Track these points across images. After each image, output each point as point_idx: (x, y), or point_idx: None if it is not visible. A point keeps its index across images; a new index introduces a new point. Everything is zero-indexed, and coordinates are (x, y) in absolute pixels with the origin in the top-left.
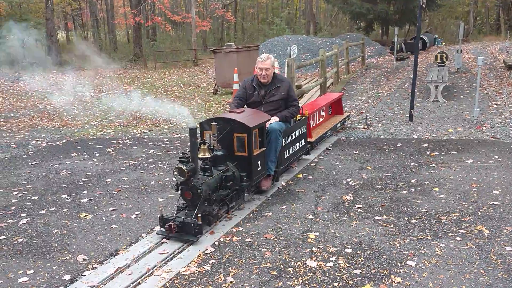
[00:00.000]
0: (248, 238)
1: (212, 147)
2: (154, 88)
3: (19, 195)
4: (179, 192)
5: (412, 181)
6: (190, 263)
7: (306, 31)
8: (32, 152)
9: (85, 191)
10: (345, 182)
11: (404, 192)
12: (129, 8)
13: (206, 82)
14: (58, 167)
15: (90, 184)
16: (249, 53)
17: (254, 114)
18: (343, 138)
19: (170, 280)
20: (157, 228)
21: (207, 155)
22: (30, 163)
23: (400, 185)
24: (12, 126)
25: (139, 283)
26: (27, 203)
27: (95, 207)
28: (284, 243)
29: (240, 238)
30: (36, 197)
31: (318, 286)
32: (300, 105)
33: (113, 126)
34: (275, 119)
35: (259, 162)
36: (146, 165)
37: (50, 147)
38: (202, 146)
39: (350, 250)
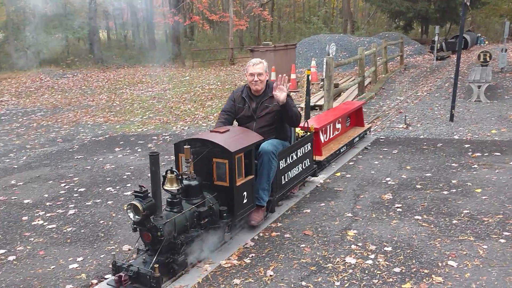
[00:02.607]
0: (287, 234)
1: (180, 176)
2: (192, 86)
3: (66, 187)
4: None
5: (453, 181)
6: (231, 256)
7: (343, 30)
8: (77, 147)
9: (128, 185)
10: (384, 181)
11: (445, 192)
12: (168, 7)
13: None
14: (102, 161)
15: (133, 178)
16: (286, 52)
17: (242, 134)
18: (382, 137)
19: (212, 271)
20: (109, 276)
21: (174, 186)
22: (75, 157)
23: (441, 185)
24: (58, 122)
25: (182, 274)
26: (74, 195)
27: None
28: (323, 240)
29: (279, 233)
30: (83, 189)
31: (357, 283)
32: (301, 115)
33: (153, 123)
34: (283, 95)
35: (245, 193)
36: None
37: (94, 142)
38: (169, 175)
39: (389, 249)
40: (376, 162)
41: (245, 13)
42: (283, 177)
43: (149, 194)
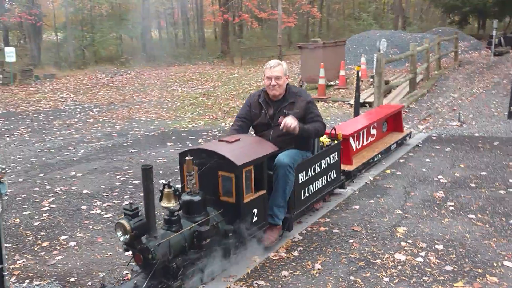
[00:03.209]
0: (335, 229)
1: (178, 192)
2: (240, 83)
3: (122, 178)
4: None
5: (511, 181)
6: (279, 249)
7: (394, 26)
8: (131, 141)
9: (180, 178)
10: (436, 179)
11: (502, 192)
12: (218, 6)
13: (291, 78)
14: (154, 155)
15: None
16: (335, 49)
17: (253, 144)
18: (434, 135)
19: (261, 263)
20: None
21: (172, 203)
22: (130, 151)
23: (497, 184)
24: (113, 117)
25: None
26: (129, 186)
27: None
28: (371, 236)
29: (327, 228)
30: (137, 181)
31: (407, 279)
32: (323, 123)
33: (203, 119)
34: (294, 123)
35: (254, 210)
36: None
37: (147, 137)
38: (166, 190)
39: (441, 247)
40: (428, 160)
41: (293, 10)
42: (303, 191)
43: (140, 212)
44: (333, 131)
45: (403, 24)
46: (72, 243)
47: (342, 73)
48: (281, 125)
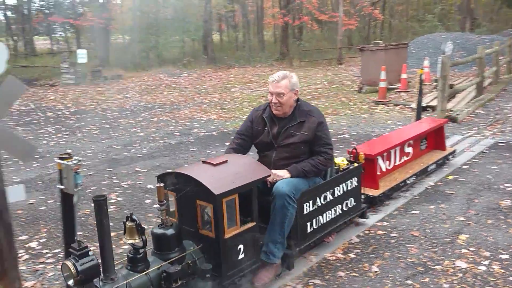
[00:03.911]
0: (393, 233)
1: (141, 226)
2: (299, 85)
3: None
4: None
5: None
6: (336, 250)
7: (461, 28)
8: (192, 140)
9: None
10: (503, 187)
11: None
12: (278, 9)
13: (350, 80)
14: (214, 154)
15: None
16: (397, 51)
17: (242, 167)
18: (502, 141)
19: (317, 263)
20: None
21: (136, 239)
22: (191, 149)
23: None
24: (175, 117)
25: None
26: None
27: None
28: (431, 241)
29: (385, 232)
30: None
31: None
32: (330, 154)
33: None
34: (283, 174)
35: (240, 246)
36: None
37: (207, 136)
38: (128, 224)
39: (506, 257)
40: (494, 167)
41: (355, 12)
42: (309, 223)
43: (90, 252)
44: (354, 152)
45: (471, 26)
46: None
47: (404, 76)
48: (270, 179)
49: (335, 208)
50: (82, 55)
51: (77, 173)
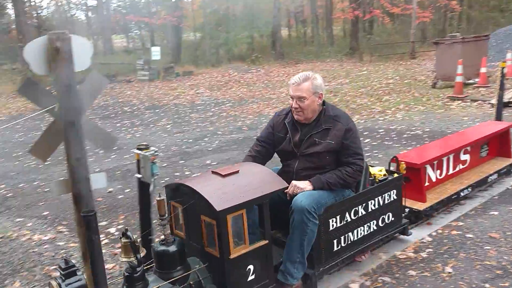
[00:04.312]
0: (469, 234)
1: (136, 243)
2: (369, 81)
3: None
4: None
5: None
6: (407, 248)
7: None
8: None
9: None
10: None
11: None
12: (348, 3)
13: (424, 75)
14: None
15: None
16: (476, 44)
17: (255, 178)
18: None
19: (387, 260)
20: None
21: (131, 257)
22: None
23: None
24: (244, 112)
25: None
26: None
27: None
28: None
29: (460, 232)
30: None
31: None
32: (359, 165)
33: None
34: (304, 186)
35: (250, 267)
36: None
37: None
38: (123, 241)
39: None
40: None
41: (429, 4)
42: (336, 241)
43: (78, 271)
44: (395, 161)
45: None
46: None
47: (483, 70)
48: (290, 191)
49: (368, 224)
50: (156, 53)
51: (154, 163)
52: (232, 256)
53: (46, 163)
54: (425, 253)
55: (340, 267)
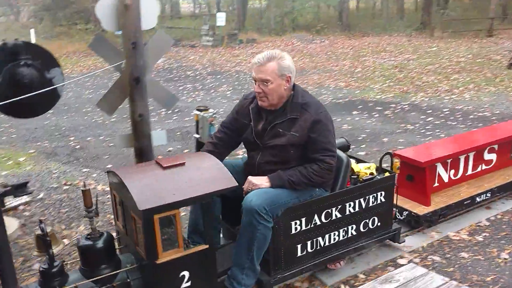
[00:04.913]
0: None
1: (47, 238)
2: (438, 58)
3: None
4: None
5: None
6: (461, 230)
7: None
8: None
9: (363, 145)
10: None
11: None
12: None
13: (500, 55)
14: (340, 121)
15: (368, 140)
16: None
17: (200, 173)
18: None
19: (438, 240)
20: None
21: (42, 252)
22: None
23: None
24: (304, 83)
25: (406, 235)
26: None
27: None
28: None
29: None
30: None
31: None
32: (328, 162)
33: (392, 91)
34: (260, 183)
35: (183, 274)
36: (422, 131)
37: (334, 104)
38: (36, 233)
39: None
40: None
41: None
42: (299, 246)
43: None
44: (392, 158)
45: None
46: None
47: None
48: (245, 187)
49: (345, 229)
50: (221, 19)
51: (212, 124)
52: (160, 261)
53: (111, 119)
54: (481, 236)
55: (303, 272)
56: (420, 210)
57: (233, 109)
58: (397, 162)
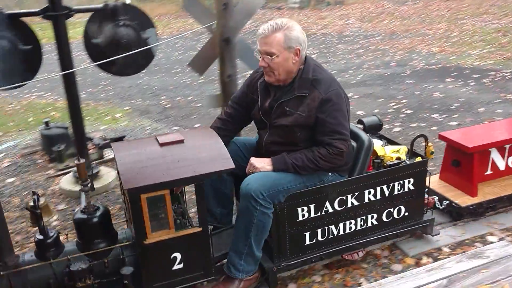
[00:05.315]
0: None
1: (38, 210)
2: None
3: (395, 106)
4: None
5: None
6: None
7: None
8: (409, 72)
9: (455, 115)
10: None
11: None
12: None
13: None
14: (431, 88)
15: (461, 109)
16: None
17: (198, 152)
18: None
19: None
20: None
21: (34, 224)
22: (406, 81)
23: None
24: (394, 47)
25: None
26: (401, 115)
27: None
28: None
29: None
30: (409, 111)
31: None
32: (338, 147)
33: (493, 58)
34: (261, 166)
35: (175, 255)
36: None
37: (425, 70)
38: (27, 206)
39: None
40: None
41: None
42: (308, 234)
43: None
44: (426, 143)
45: None
46: None
47: None
48: (247, 169)
49: (363, 218)
50: None
51: None
52: (148, 241)
53: (199, 80)
54: None
55: (312, 261)
56: (463, 200)
57: (244, 82)
58: (430, 146)
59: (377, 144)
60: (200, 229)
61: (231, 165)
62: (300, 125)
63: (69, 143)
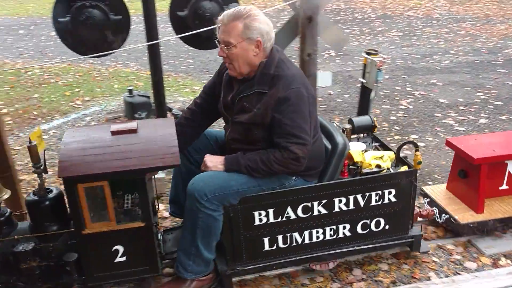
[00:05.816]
0: None
1: None
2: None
3: (482, 96)
4: None
5: None
6: None
7: None
8: (502, 61)
9: None
10: None
11: None
12: None
13: None
14: None
15: None
16: None
17: (147, 144)
18: None
19: None
20: None
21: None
22: (498, 70)
23: None
24: (487, 32)
25: None
26: (489, 106)
27: None
28: None
29: None
30: (499, 103)
31: None
32: (293, 152)
33: None
34: (212, 165)
35: (116, 248)
36: None
37: None
38: None
39: None
40: None
41: None
42: (267, 239)
43: None
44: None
45: None
46: (421, 144)
47: None
48: (201, 166)
49: (333, 228)
50: None
51: (380, 70)
52: (86, 232)
53: None
54: None
55: (270, 268)
56: (465, 216)
57: (215, 72)
58: (418, 155)
59: (358, 148)
60: (143, 224)
61: (175, 162)
62: (257, 123)
63: (150, 111)
